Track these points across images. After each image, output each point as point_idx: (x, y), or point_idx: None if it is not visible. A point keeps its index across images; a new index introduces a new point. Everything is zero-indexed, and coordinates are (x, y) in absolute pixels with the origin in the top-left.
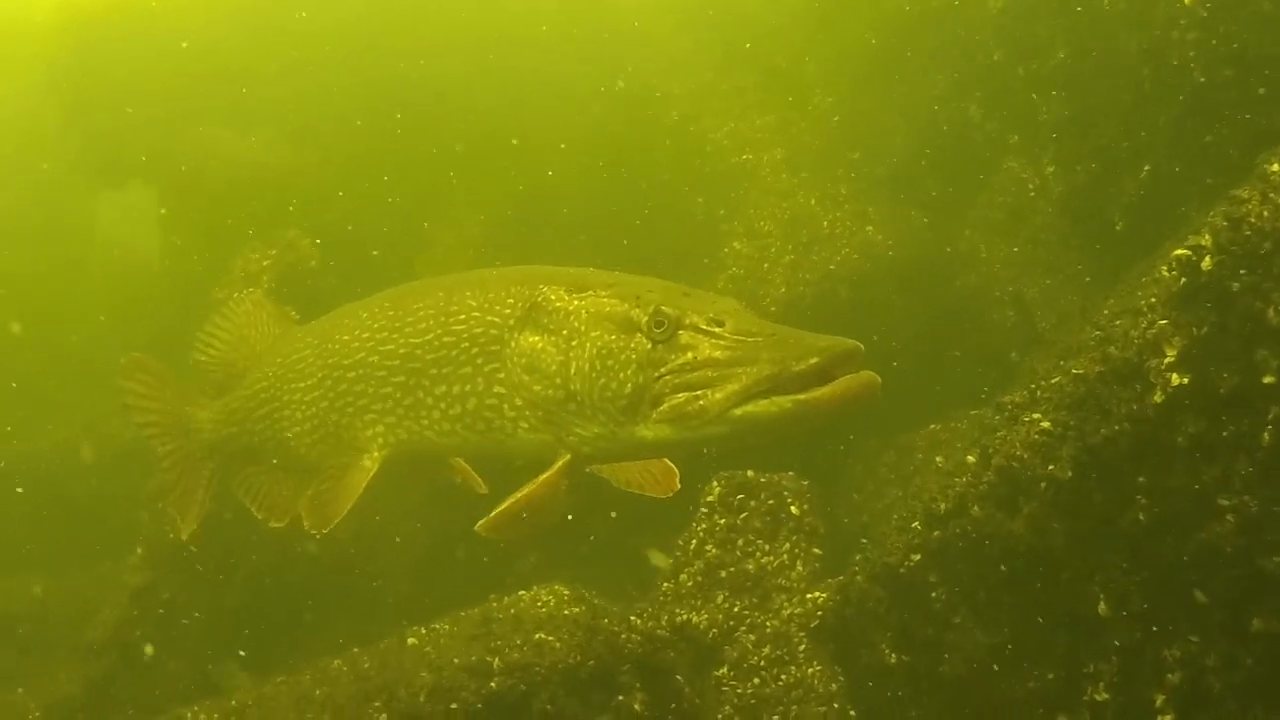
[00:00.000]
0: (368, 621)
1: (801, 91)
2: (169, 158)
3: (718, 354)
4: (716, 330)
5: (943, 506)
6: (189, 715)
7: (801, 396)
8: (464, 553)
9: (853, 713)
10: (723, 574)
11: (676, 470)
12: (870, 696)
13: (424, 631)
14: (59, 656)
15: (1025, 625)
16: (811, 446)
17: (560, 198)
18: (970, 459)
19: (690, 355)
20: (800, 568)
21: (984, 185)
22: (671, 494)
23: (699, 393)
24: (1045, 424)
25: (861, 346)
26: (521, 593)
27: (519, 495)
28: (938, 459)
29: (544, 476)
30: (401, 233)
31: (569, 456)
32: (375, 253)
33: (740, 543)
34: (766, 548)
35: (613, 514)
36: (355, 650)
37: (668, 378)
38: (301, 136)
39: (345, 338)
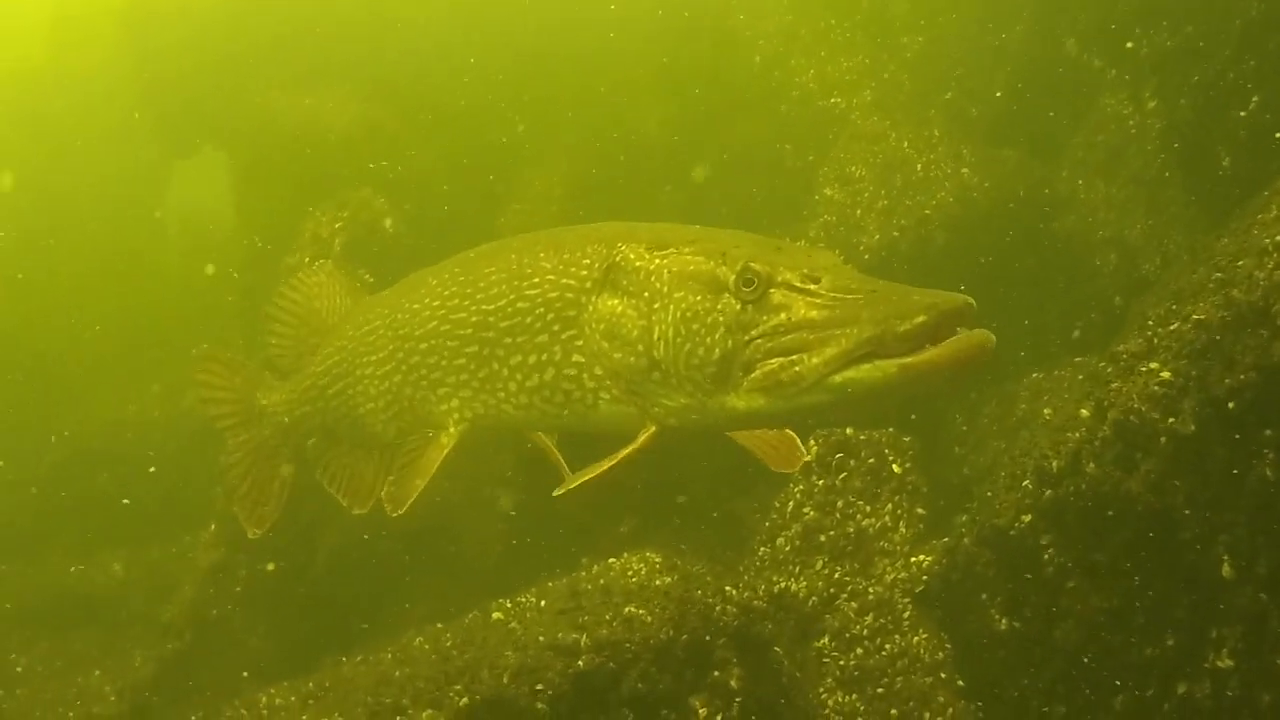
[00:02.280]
0: (456, 590)
1: (889, 31)
2: (241, 123)
3: (814, 314)
4: (812, 288)
5: (1055, 464)
6: (263, 699)
7: (908, 360)
8: (557, 517)
9: (960, 682)
10: (822, 538)
11: (798, 442)
12: (979, 664)
13: (509, 605)
14: (138, 635)
15: (1144, 589)
16: (907, 400)
17: (645, 147)
18: (1084, 412)
19: (784, 316)
20: (904, 529)
21: (1081, 123)
22: (795, 469)
23: (794, 357)
24: (1165, 374)
25: (973, 302)
26: (611, 560)
27: (600, 468)
28: (1045, 411)
29: (627, 451)
30: (482, 189)
31: (654, 429)
32: (454, 210)
33: (840, 505)
34: (868, 509)
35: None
36: (439, 626)
37: (759, 341)
38: (376, 94)
39: (415, 306)
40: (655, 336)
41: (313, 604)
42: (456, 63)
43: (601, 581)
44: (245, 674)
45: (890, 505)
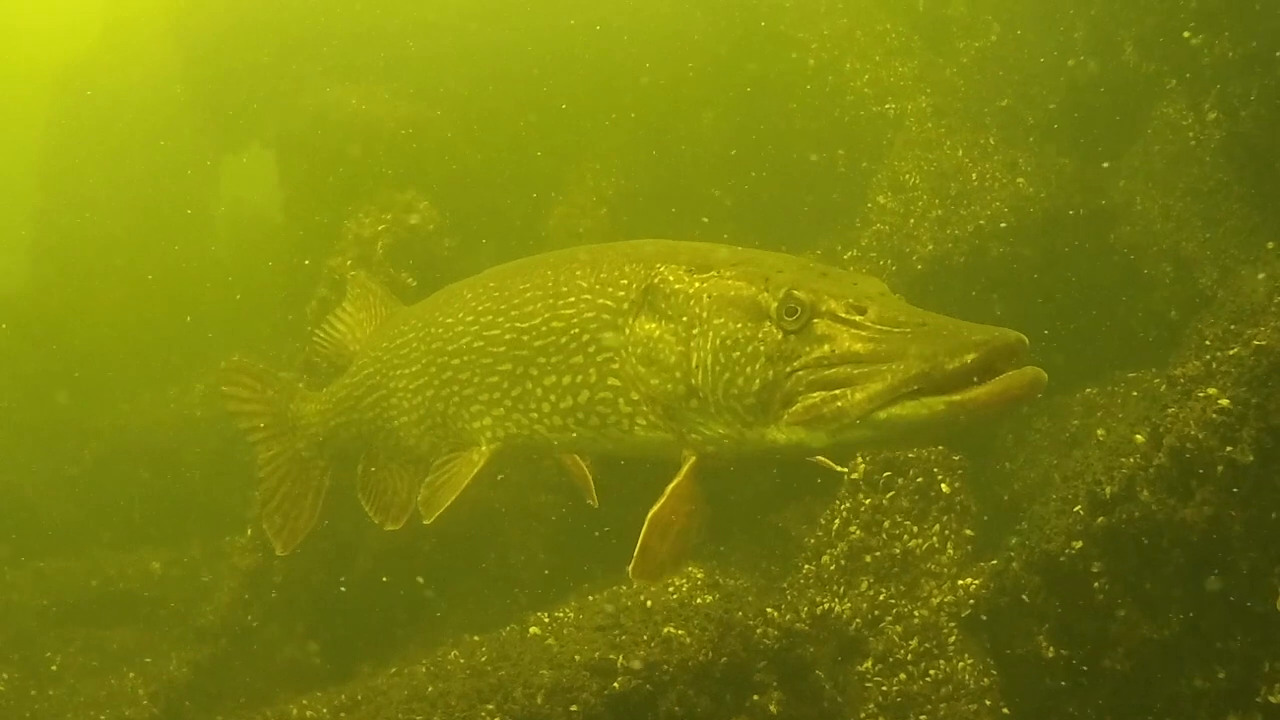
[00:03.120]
0: (498, 599)
1: (945, 35)
2: (289, 121)
3: (859, 347)
4: (858, 319)
5: (1108, 490)
6: (294, 711)
7: (956, 397)
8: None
9: (1005, 710)
10: (867, 559)
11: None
12: (1025, 692)
13: (547, 620)
14: (174, 636)
15: (1196, 620)
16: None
17: (696, 150)
18: (1138, 438)
19: (827, 348)
20: (951, 551)
21: (1140, 132)
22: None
23: (838, 392)
24: (1223, 401)
25: (1025, 339)
26: None
27: (651, 517)
28: (1099, 432)
29: (671, 486)
30: (530, 190)
31: (694, 458)
32: (501, 212)
33: (886, 525)
34: (915, 529)
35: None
36: (475, 638)
37: (801, 373)
38: (423, 93)
39: (449, 320)
40: (694, 363)
41: (351, 611)
42: (505, 62)
43: (642, 597)
44: (279, 682)
45: (938, 526)
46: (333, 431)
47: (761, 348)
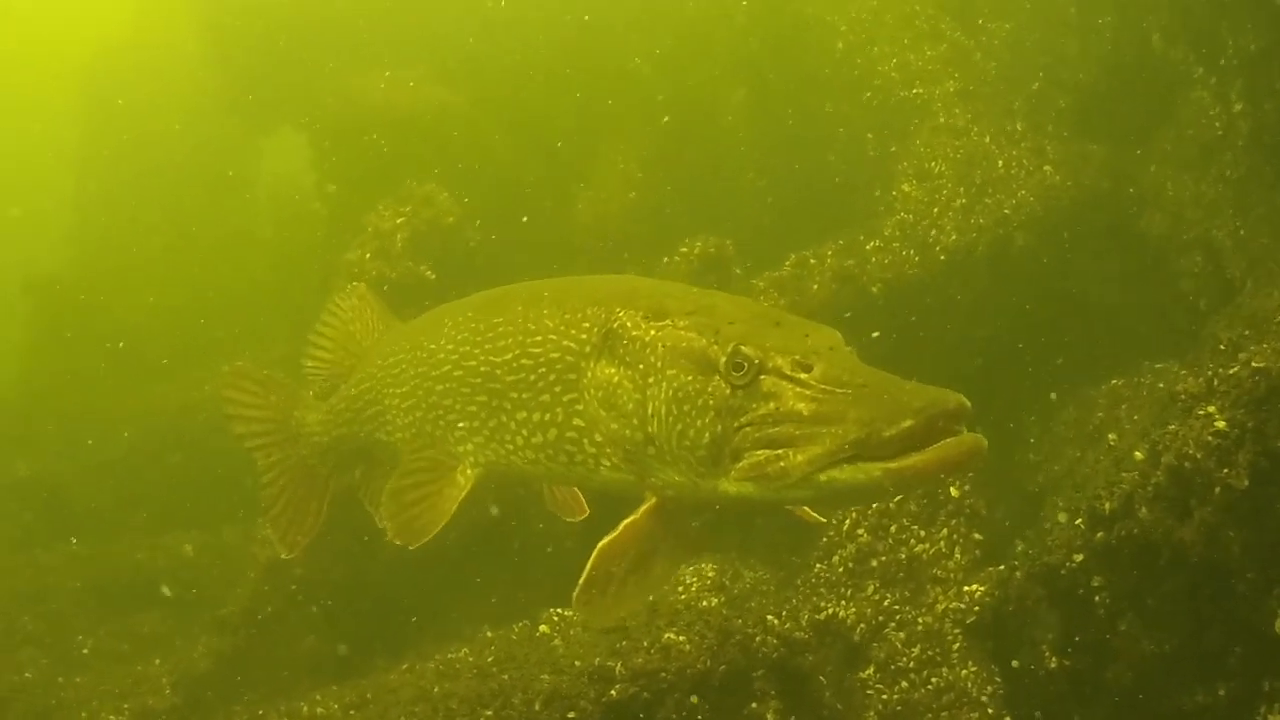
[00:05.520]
0: (520, 590)
1: (974, 18)
2: (318, 103)
3: (801, 406)
4: (802, 376)
5: (1108, 506)
6: (305, 708)
7: (894, 465)
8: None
9: (1008, 719)
10: (874, 563)
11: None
12: (1029, 702)
13: (557, 618)
14: (205, 620)
15: (1197, 636)
16: (982, 404)
17: (725, 133)
18: (1138, 455)
19: (772, 406)
20: (959, 556)
21: (1170, 118)
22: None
23: (780, 451)
24: (1220, 423)
25: (967, 404)
26: None
27: (600, 548)
28: (1110, 436)
29: (626, 522)
30: (559, 174)
31: (654, 500)
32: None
33: (893, 529)
34: (922, 534)
35: None
36: (488, 634)
37: (748, 429)
38: (451, 76)
39: (432, 346)
40: (649, 412)
41: (370, 603)
42: (532, 47)
43: (650, 597)
44: (298, 673)
45: (946, 530)
46: (335, 441)
47: (711, 401)
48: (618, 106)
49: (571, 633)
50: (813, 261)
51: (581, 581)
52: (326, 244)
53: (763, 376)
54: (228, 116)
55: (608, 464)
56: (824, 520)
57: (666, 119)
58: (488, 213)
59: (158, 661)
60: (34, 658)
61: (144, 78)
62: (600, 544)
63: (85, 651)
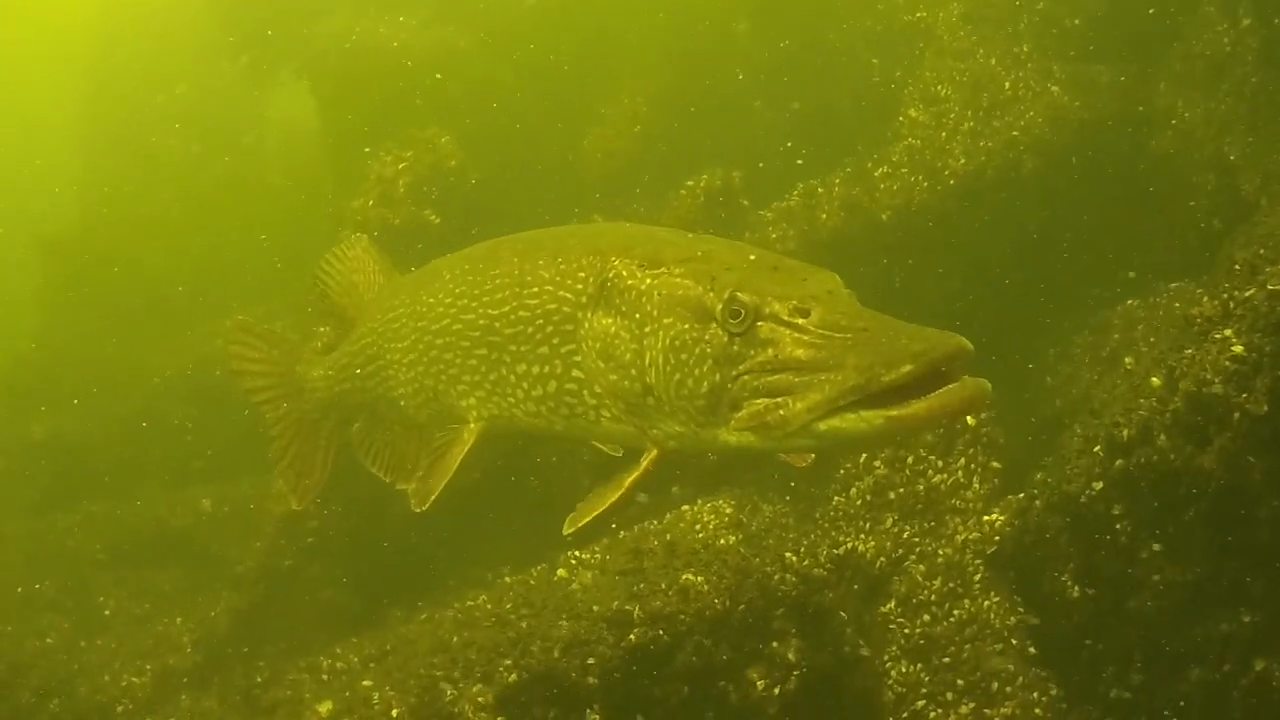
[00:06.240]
0: (536, 531)
1: None
2: (318, 48)
3: (800, 353)
4: (800, 322)
5: (1126, 433)
6: (324, 662)
7: (894, 412)
8: None
9: (1032, 649)
10: (891, 495)
11: None
12: (1051, 631)
13: (574, 561)
14: (226, 575)
15: (1220, 564)
16: (996, 328)
17: (731, 63)
18: (1155, 381)
19: (770, 353)
20: (977, 485)
21: (1177, 35)
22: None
23: (779, 400)
24: (1237, 348)
25: (968, 345)
26: (684, 508)
27: (607, 500)
28: (1127, 360)
29: (630, 478)
30: (564, 112)
31: (655, 452)
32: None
33: (910, 460)
34: (940, 464)
35: None
36: (506, 579)
37: (746, 378)
38: (452, 17)
39: (431, 300)
40: (647, 362)
41: (387, 552)
42: None
43: (668, 536)
44: (317, 626)
45: (963, 460)
46: (339, 396)
47: (708, 350)
48: (622, 43)
49: (589, 576)
50: (821, 191)
51: (580, 522)
52: (334, 192)
53: (760, 323)
54: (231, 66)
55: (608, 415)
56: (804, 463)
57: (672, 52)
58: (493, 155)
59: (179, 620)
60: (55, 622)
61: (147, 30)
62: (606, 497)
63: (107, 613)
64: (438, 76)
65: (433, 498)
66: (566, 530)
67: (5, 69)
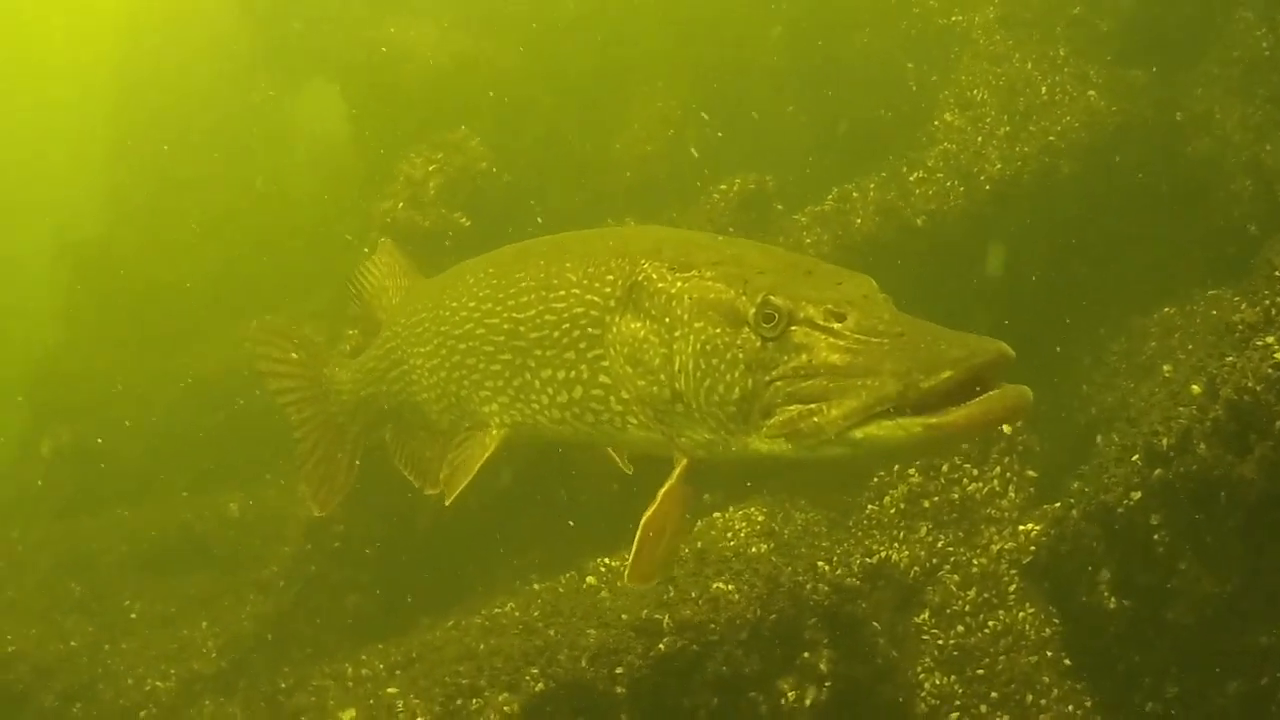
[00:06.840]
0: (566, 539)
1: None
2: (349, 55)
3: (835, 359)
4: (835, 327)
5: (1165, 442)
6: (350, 669)
7: (933, 420)
8: None
9: (1067, 661)
10: (925, 504)
11: None
12: (1087, 642)
13: (604, 568)
14: (252, 579)
15: (1260, 576)
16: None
17: (764, 67)
18: (1195, 388)
19: (804, 358)
20: (1012, 494)
21: (1214, 40)
22: None
23: (814, 406)
24: (1279, 354)
25: (1010, 351)
26: (715, 515)
27: (645, 521)
28: (1165, 368)
29: (663, 491)
30: (595, 116)
31: (685, 461)
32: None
33: (945, 468)
34: (975, 473)
35: None
36: (535, 587)
37: (779, 384)
38: (482, 22)
39: (454, 304)
40: (676, 367)
41: (414, 558)
42: None
43: (699, 544)
44: (343, 633)
45: (999, 469)
46: (364, 400)
47: (740, 355)
48: (654, 47)
49: (618, 584)
50: (855, 195)
51: (632, 559)
52: (363, 196)
53: (793, 327)
54: (260, 72)
55: (635, 422)
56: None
57: (705, 56)
58: (524, 158)
59: (204, 624)
60: (80, 625)
61: (176, 36)
62: (644, 518)
63: (132, 617)
64: (469, 81)
65: (456, 493)
66: (628, 581)
67: (33, 78)
